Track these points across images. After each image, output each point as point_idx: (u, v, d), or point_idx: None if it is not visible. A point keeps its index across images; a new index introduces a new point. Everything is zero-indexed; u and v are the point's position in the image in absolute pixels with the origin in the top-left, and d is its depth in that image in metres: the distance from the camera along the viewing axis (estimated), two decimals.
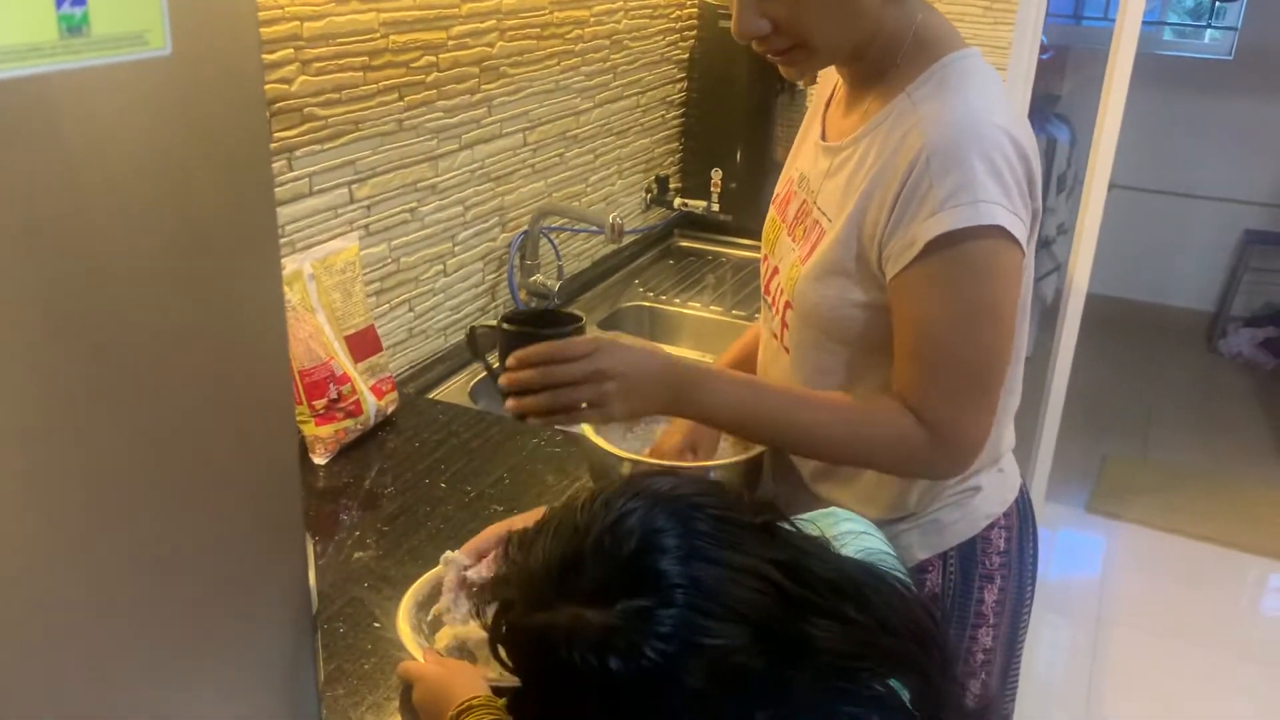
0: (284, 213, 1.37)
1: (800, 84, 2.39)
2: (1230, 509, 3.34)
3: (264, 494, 0.73)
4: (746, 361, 1.35)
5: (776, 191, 1.27)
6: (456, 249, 1.74)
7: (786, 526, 0.78)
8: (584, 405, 1.04)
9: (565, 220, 1.96)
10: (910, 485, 1.16)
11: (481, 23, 1.67)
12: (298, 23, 1.32)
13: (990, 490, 1.20)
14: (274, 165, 1.33)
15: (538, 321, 1.16)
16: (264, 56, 1.28)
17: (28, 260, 0.52)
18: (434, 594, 1.10)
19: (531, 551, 0.74)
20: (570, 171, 2.04)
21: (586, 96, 2.04)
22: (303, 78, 1.35)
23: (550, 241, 1.97)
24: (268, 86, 1.29)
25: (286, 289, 1.36)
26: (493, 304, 1.87)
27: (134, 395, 0.59)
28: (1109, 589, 2.99)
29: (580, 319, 1.14)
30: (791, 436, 1.12)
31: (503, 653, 0.75)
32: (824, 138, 1.17)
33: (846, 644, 0.73)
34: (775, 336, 1.19)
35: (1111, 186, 2.93)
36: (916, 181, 0.99)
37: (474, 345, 1.21)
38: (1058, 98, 4.43)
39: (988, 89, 1.05)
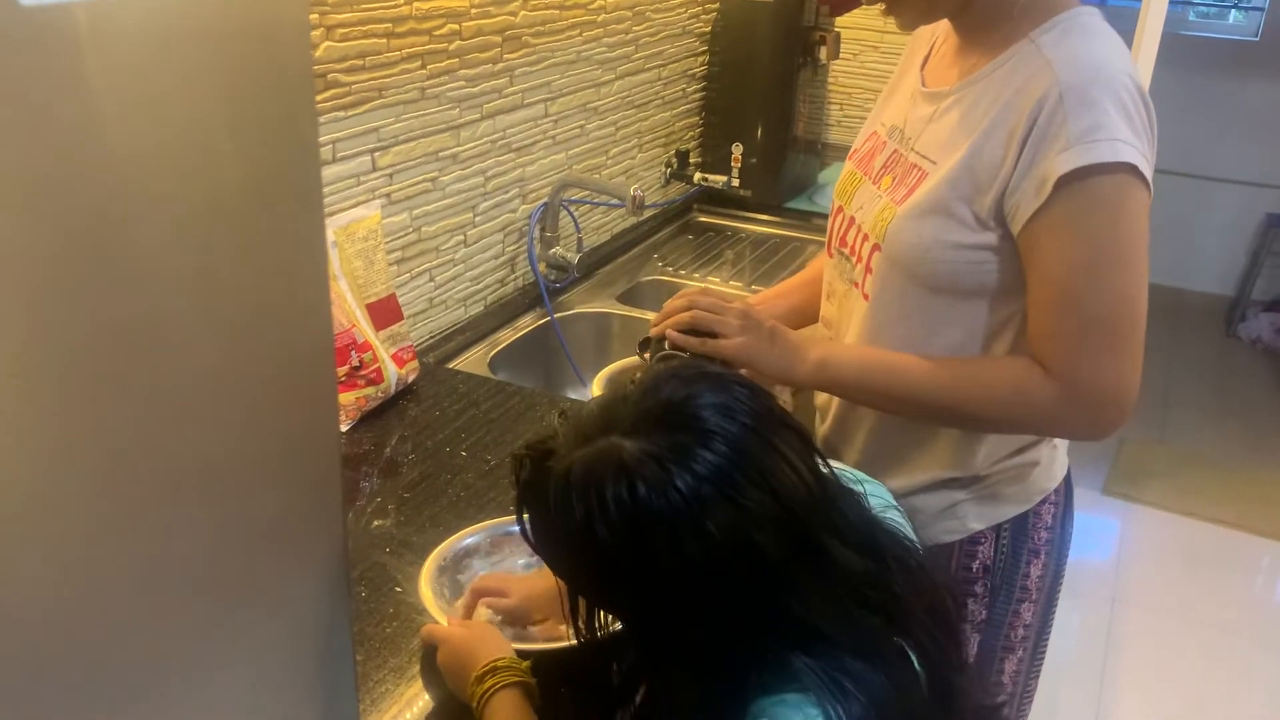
0: None
1: (823, 58, 2.38)
2: (1247, 493, 3.32)
3: (303, 471, 0.73)
4: (803, 296, 1.36)
5: (855, 148, 1.26)
6: (477, 219, 1.73)
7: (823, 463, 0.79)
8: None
9: (586, 193, 1.95)
10: (975, 443, 1.15)
11: None
12: None
13: (1046, 465, 1.20)
14: None
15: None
16: None
17: (60, 209, 0.51)
18: (456, 559, 1.10)
19: (577, 413, 0.77)
20: (591, 144, 2.03)
21: (608, 68, 2.03)
22: (327, 43, 1.34)
23: (570, 214, 1.96)
24: None
25: None
26: (512, 275, 1.87)
27: (167, 370, 0.59)
28: (1124, 571, 2.99)
29: None
30: (912, 399, 1.11)
31: (527, 501, 0.77)
32: (924, 84, 1.16)
33: (861, 579, 0.74)
34: (855, 285, 1.18)
35: None
36: (1049, 119, 0.98)
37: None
38: None
39: (1116, 43, 1.04)
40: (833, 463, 0.84)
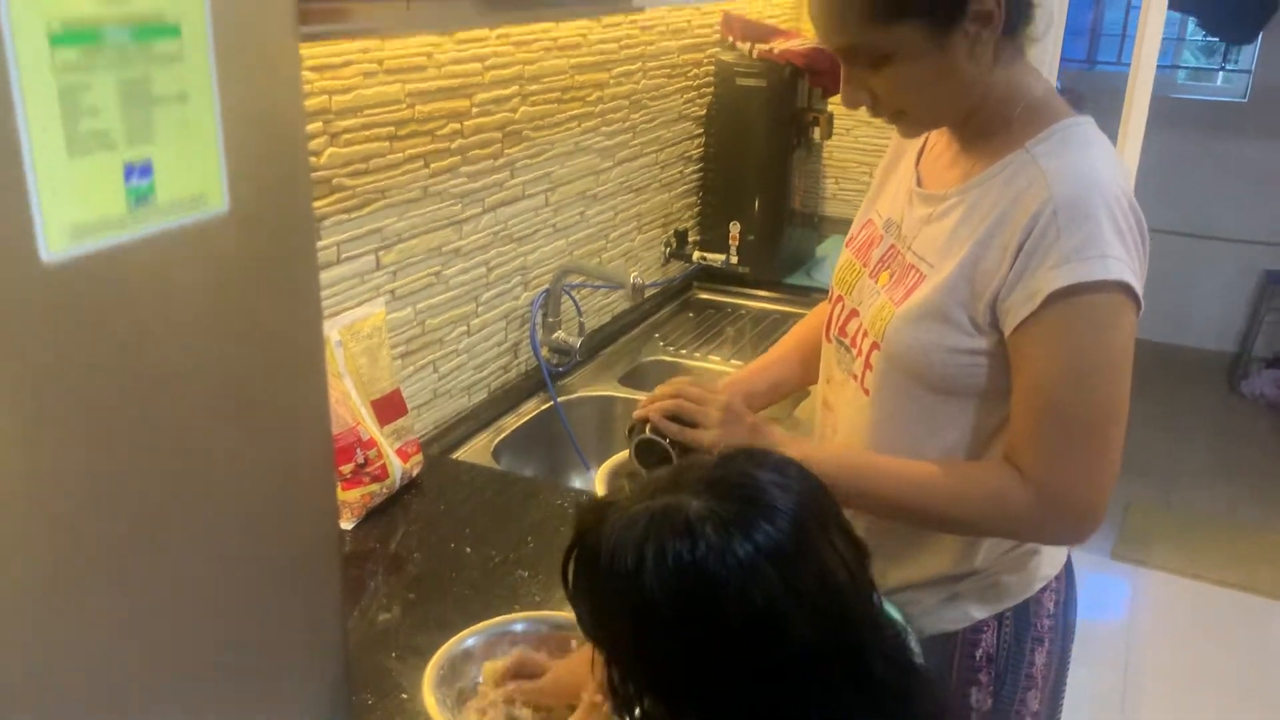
0: None
1: (817, 137, 2.43)
2: (1255, 554, 3.31)
3: (304, 577, 0.75)
4: (780, 371, 1.40)
5: (852, 234, 1.29)
6: (479, 309, 1.77)
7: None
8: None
9: (586, 278, 1.98)
10: (976, 543, 1.17)
11: (505, 89, 1.71)
12: (327, 97, 1.36)
13: (1048, 553, 1.21)
14: None
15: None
16: None
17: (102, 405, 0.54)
18: (454, 666, 1.11)
19: (647, 477, 0.80)
20: (591, 229, 2.07)
21: (606, 155, 2.07)
22: (331, 150, 1.38)
23: (572, 299, 1.99)
24: None
25: None
26: (515, 361, 1.89)
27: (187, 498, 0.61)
28: (1135, 637, 2.96)
29: None
30: (887, 500, 1.14)
31: (580, 545, 0.78)
32: (920, 184, 1.19)
33: (893, 692, 0.76)
34: (855, 378, 1.20)
35: None
36: (1042, 232, 1.01)
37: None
38: None
39: (1109, 154, 1.08)
40: None
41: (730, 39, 2.35)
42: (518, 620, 1.14)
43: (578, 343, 1.93)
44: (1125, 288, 1.02)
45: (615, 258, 2.19)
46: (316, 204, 1.37)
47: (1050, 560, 1.23)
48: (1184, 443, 4.05)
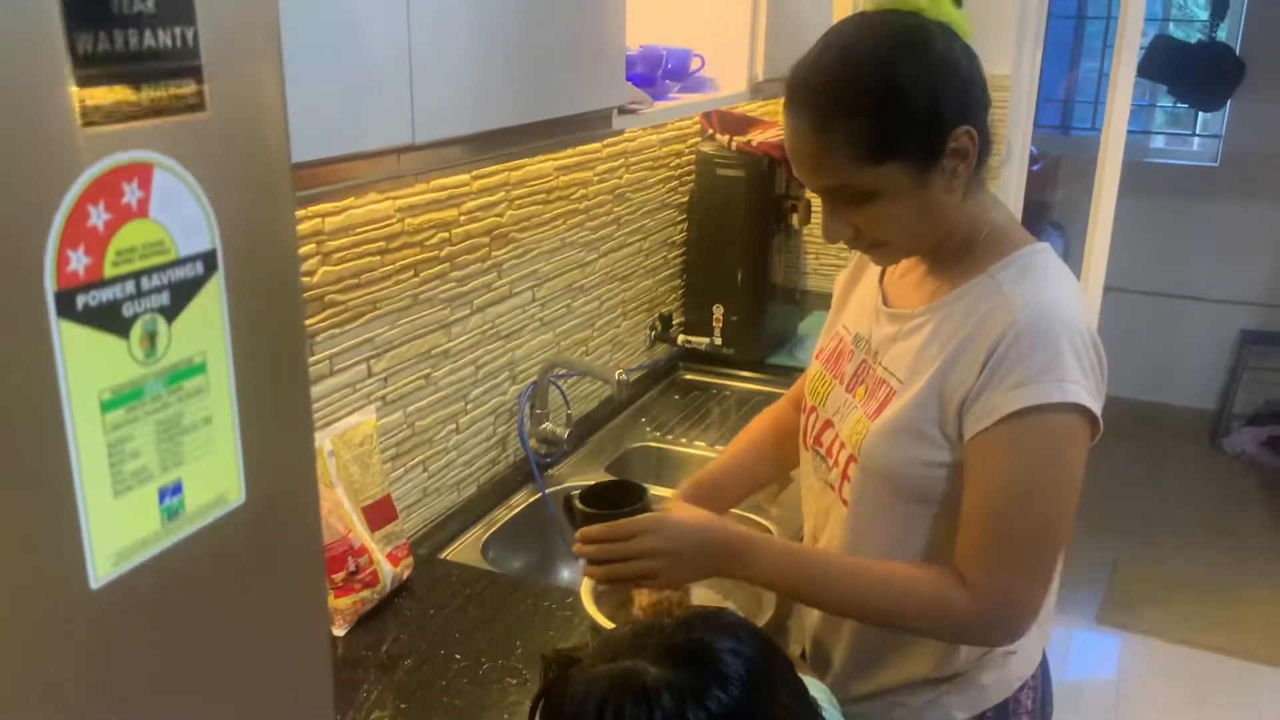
0: None
1: (795, 224, 2.49)
2: (1241, 617, 3.34)
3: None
4: (736, 481, 1.45)
5: (821, 347, 1.35)
6: (469, 407, 1.81)
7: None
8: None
9: (567, 371, 2.03)
10: (956, 650, 1.22)
11: (491, 195, 1.77)
12: (320, 219, 1.41)
13: (1024, 651, 1.26)
14: None
15: (610, 495, 1.31)
16: None
17: None
18: None
19: (610, 633, 0.86)
20: (578, 319, 2.12)
21: (591, 248, 2.14)
22: (324, 269, 1.43)
23: (559, 390, 2.04)
24: None
25: None
26: (504, 454, 1.94)
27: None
28: (1124, 705, 2.99)
29: (643, 493, 1.30)
30: (835, 602, 1.21)
31: (547, 702, 0.82)
32: (886, 303, 1.25)
33: None
34: (832, 488, 1.25)
35: (1108, 289, 3.02)
36: (1004, 354, 1.07)
37: (570, 517, 1.32)
38: (1050, 206, 4.55)
39: (1069, 285, 1.15)
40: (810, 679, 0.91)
41: (710, 130, 2.42)
42: None
43: (565, 433, 1.98)
44: (1083, 410, 1.07)
45: (602, 344, 2.24)
46: (309, 320, 1.42)
47: (1028, 659, 1.27)
48: (1168, 500, 4.10)
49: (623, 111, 1.50)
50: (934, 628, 1.18)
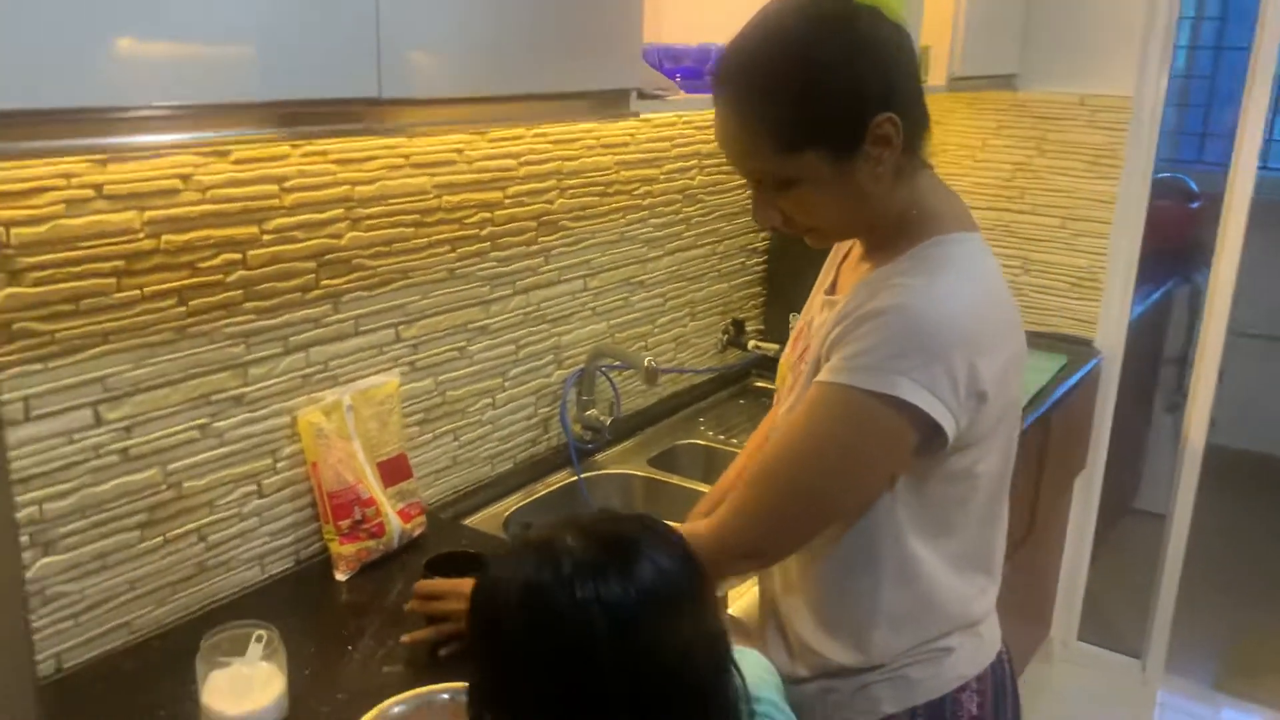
0: (328, 350, 1.54)
1: None
2: None
3: None
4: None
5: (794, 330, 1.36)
6: (506, 384, 1.88)
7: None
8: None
9: (611, 360, 2.05)
10: (873, 634, 1.19)
11: (540, 183, 1.84)
12: (350, 187, 1.51)
13: (964, 653, 1.22)
14: (320, 308, 1.51)
15: (456, 562, 1.42)
16: (314, 215, 1.47)
17: None
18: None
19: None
20: (636, 314, 2.16)
21: (655, 245, 2.17)
22: (352, 233, 1.53)
23: (609, 379, 2.08)
24: (317, 241, 1.48)
25: (323, 418, 1.52)
26: (545, 435, 1.99)
27: None
28: None
29: (480, 564, 1.37)
30: None
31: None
32: (831, 289, 1.25)
33: None
34: None
35: (1234, 334, 2.83)
36: (852, 329, 1.07)
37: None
38: (1208, 246, 4.26)
39: (958, 278, 1.11)
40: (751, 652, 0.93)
41: None
42: (444, 690, 1.21)
43: (608, 421, 2.02)
44: (900, 403, 1.04)
45: (663, 342, 2.27)
46: (334, 281, 1.52)
47: (969, 660, 1.23)
48: None
49: (644, 96, 1.54)
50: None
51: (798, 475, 1.12)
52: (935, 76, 2.42)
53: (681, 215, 2.23)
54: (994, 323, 1.12)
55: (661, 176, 2.14)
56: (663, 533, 0.87)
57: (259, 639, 1.23)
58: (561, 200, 1.90)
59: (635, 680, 0.80)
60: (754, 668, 1.05)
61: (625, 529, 0.86)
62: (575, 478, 1.96)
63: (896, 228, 1.14)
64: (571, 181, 1.91)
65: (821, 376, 1.09)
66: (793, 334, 1.32)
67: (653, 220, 2.15)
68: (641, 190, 2.09)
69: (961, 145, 2.90)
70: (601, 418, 2.03)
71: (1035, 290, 2.88)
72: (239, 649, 1.22)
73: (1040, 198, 2.83)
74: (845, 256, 1.28)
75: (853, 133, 1.07)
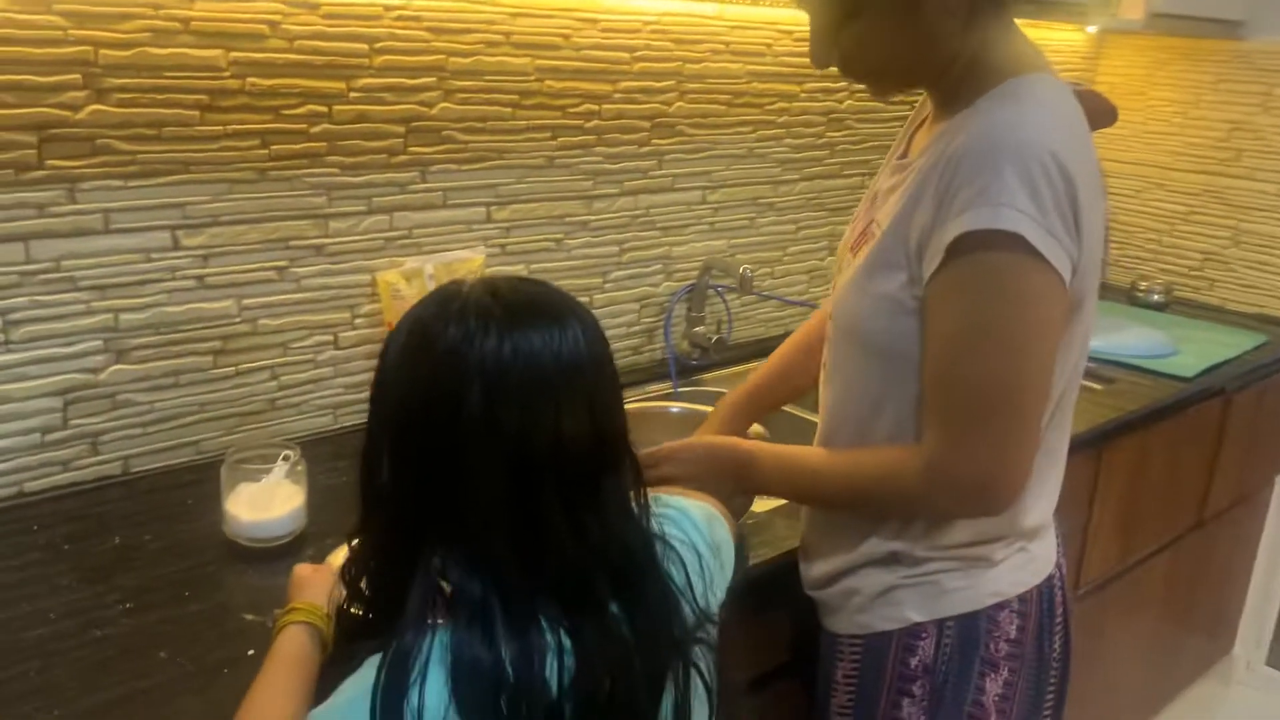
0: (412, 217, 1.58)
1: None
2: None
3: None
4: (789, 363, 1.39)
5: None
6: (606, 285, 1.87)
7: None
8: None
9: (718, 273, 1.99)
10: (881, 521, 1.11)
11: (656, 81, 1.82)
12: (444, 57, 1.55)
13: (1006, 568, 1.11)
14: (407, 174, 1.56)
15: None
16: (404, 80, 1.51)
17: None
18: None
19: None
20: (763, 237, 2.10)
21: (791, 168, 2.10)
22: (444, 104, 1.57)
23: (722, 298, 2.03)
24: (406, 107, 1.53)
25: (403, 281, 1.57)
26: (648, 345, 1.97)
27: None
28: None
29: None
30: (815, 496, 1.18)
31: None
32: (905, 155, 1.16)
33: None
34: (824, 365, 1.19)
35: None
36: (948, 183, 0.97)
37: None
38: None
39: (1044, 108, 1.00)
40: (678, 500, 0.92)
41: None
42: None
43: (713, 339, 1.97)
44: (1025, 245, 0.92)
45: (794, 272, 2.19)
46: (423, 149, 1.56)
47: (1009, 580, 1.11)
48: None
49: None
50: (891, 498, 1.08)
51: (982, 366, 0.97)
52: (1131, 8, 2.20)
53: (824, 139, 2.14)
54: (1086, 161, 0.99)
55: (802, 94, 2.06)
56: (583, 321, 0.81)
57: (285, 458, 1.29)
58: (680, 104, 1.87)
59: (492, 456, 0.75)
60: (700, 517, 0.97)
61: (545, 299, 0.80)
62: (671, 391, 1.92)
63: (967, 77, 1.03)
64: (693, 85, 1.87)
65: (943, 240, 0.96)
66: (855, 216, 1.24)
67: (789, 140, 2.07)
68: (777, 106, 2.03)
69: (1171, 100, 2.62)
70: (710, 335, 1.98)
71: (1245, 265, 2.56)
72: (268, 467, 1.28)
73: (1260, 161, 2.51)
74: (918, 127, 1.18)
75: None
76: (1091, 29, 2.63)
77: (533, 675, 0.75)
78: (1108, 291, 2.71)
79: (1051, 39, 2.65)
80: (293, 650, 0.92)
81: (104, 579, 1.16)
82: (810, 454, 1.16)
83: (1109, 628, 2.11)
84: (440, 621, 0.77)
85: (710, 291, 1.99)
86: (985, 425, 0.98)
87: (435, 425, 0.76)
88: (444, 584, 0.78)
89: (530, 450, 0.76)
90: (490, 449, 0.75)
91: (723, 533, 0.98)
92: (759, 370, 1.42)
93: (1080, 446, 1.82)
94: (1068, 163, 0.94)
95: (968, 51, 1.03)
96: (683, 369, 1.96)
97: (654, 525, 0.88)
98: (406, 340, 0.79)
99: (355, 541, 0.85)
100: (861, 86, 1.13)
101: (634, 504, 0.84)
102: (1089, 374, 2.08)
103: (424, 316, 0.79)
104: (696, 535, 0.92)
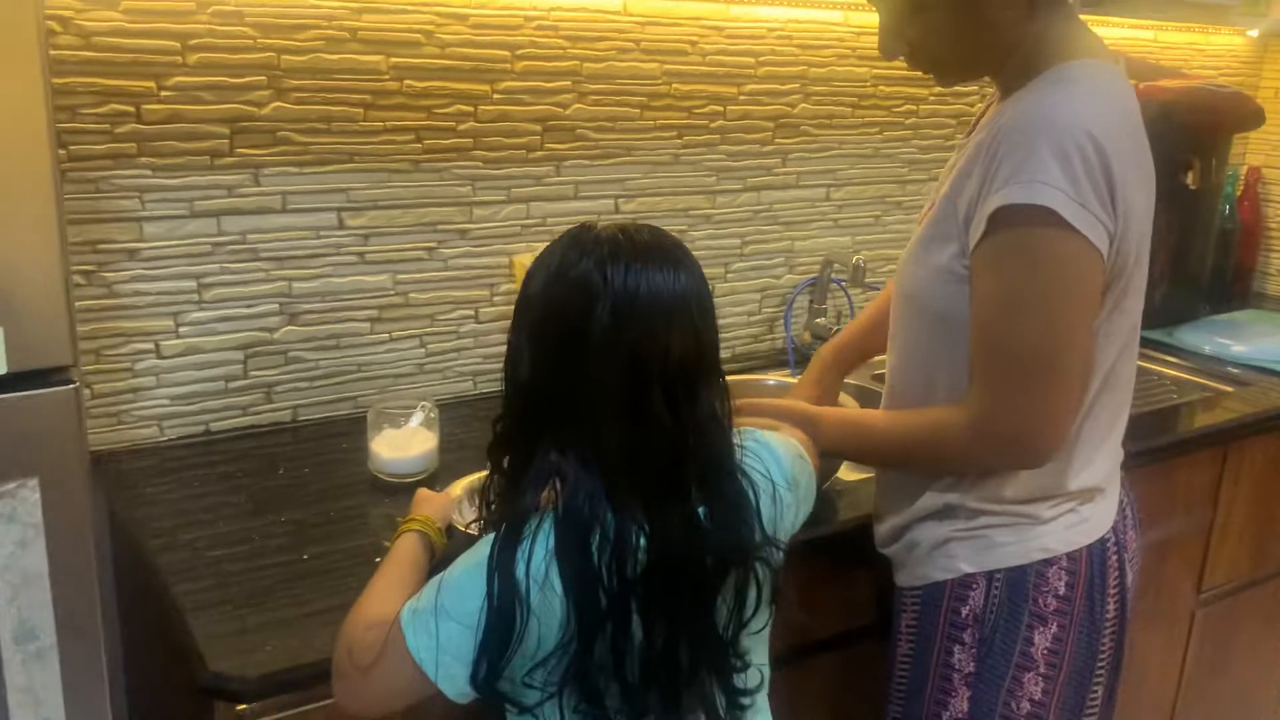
0: (547, 207, 1.76)
1: (1190, 182, 2.23)
2: None
3: None
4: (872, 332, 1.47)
5: None
6: (728, 275, 2.00)
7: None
8: None
9: (839, 266, 2.07)
10: (961, 477, 1.19)
11: (780, 84, 1.93)
12: (578, 63, 1.72)
13: (1056, 526, 1.18)
14: (543, 168, 1.74)
15: None
16: (542, 83, 1.69)
17: None
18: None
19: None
20: (888, 234, 2.17)
21: (919, 169, 2.17)
22: (577, 105, 1.74)
23: (844, 291, 2.12)
24: (543, 107, 1.70)
25: None
26: (769, 334, 2.08)
27: None
28: None
29: None
30: (875, 456, 1.27)
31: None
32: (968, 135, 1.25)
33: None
34: (890, 331, 1.28)
35: None
36: (990, 159, 1.06)
37: None
38: None
39: (1087, 91, 1.07)
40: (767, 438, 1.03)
41: None
42: None
43: (834, 330, 2.06)
44: (1057, 218, 0.99)
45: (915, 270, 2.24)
46: (558, 146, 1.74)
47: (1057, 537, 1.17)
48: None
49: None
50: (940, 452, 1.16)
51: (1020, 329, 1.06)
52: None
53: (953, 142, 2.19)
54: (1126, 140, 1.06)
55: (930, 97, 2.13)
56: (692, 265, 0.94)
57: (423, 408, 1.49)
58: (805, 105, 1.98)
59: (615, 364, 0.88)
60: (779, 442, 1.08)
61: (665, 242, 0.93)
62: (790, 378, 2.02)
63: (1024, 64, 1.11)
64: (818, 88, 1.98)
65: (984, 213, 1.05)
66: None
67: (916, 141, 2.14)
68: (904, 108, 2.10)
69: None
70: (830, 326, 2.07)
71: None
72: (409, 414, 1.48)
73: None
74: (987, 108, 1.26)
75: None
76: (1253, 33, 2.57)
77: (624, 543, 0.88)
78: (1265, 300, 2.63)
79: (1213, 44, 2.60)
80: (408, 553, 1.09)
81: (273, 510, 1.37)
82: (869, 414, 1.25)
83: (1242, 636, 2.06)
84: (552, 508, 0.91)
85: (832, 285, 2.08)
86: (1024, 384, 1.06)
87: (569, 335, 0.90)
88: (557, 478, 0.92)
89: (644, 360, 0.89)
90: (612, 356, 0.89)
91: (804, 468, 1.09)
92: (849, 325, 1.52)
93: (1201, 445, 1.82)
94: (1104, 141, 1.01)
95: (1028, 41, 1.11)
96: (802, 358, 2.05)
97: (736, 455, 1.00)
98: (550, 266, 0.93)
99: (499, 427, 0.99)
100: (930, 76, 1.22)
101: (722, 416, 0.96)
102: (1221, 376, 2.06)
103: (563, 247, 0.93)
104: (776, 469, 1.03)
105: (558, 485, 0.91)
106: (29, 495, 0.87)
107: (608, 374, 0.89)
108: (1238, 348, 2.20)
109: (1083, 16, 1.83)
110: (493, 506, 0.98)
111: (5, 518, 0.86)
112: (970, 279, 1.08)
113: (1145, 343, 2.22)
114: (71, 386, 0.91)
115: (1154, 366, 2.14)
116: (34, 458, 0.88)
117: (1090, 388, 1.12)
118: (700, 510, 0.93)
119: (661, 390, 0.90)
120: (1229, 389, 2.00)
